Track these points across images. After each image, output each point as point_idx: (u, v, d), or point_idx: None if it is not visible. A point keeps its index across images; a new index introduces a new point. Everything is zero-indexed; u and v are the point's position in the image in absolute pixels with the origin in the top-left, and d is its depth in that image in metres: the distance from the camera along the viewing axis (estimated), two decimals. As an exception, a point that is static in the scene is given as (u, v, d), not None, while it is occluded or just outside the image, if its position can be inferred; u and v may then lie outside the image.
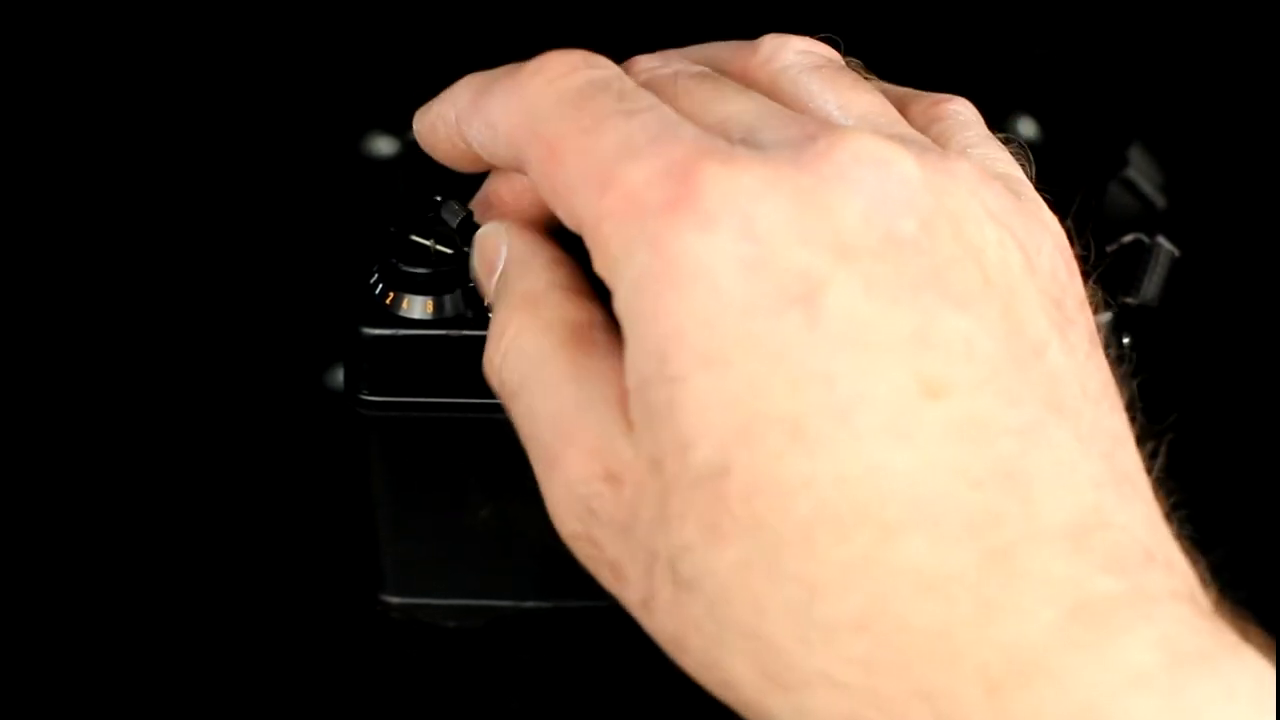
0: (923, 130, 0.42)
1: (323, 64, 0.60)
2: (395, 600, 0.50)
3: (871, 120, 0.41)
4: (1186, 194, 0.55)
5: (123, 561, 0.56)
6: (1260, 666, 0.35)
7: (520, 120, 0.40)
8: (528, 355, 0.41)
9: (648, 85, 0.41)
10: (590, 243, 0.38)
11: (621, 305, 0.38)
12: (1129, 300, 0.47)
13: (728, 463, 0.36)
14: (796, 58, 0.42)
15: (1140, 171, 0.54)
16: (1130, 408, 0.40)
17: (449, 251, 0.46)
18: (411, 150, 0.47)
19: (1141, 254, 0.48)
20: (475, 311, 0.45)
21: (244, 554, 0.56)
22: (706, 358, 0.37)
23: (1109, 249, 0.48)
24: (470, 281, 0.45)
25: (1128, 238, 0.48)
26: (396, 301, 0.45)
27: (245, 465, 0.58)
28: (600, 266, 0.38)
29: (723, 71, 0.43)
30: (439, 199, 0.46)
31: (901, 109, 0.43)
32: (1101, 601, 0.35)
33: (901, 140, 0.39)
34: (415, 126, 0.44)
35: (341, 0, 0.60)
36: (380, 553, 0.49)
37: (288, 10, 0.60)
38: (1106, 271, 0.47)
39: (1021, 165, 0.42)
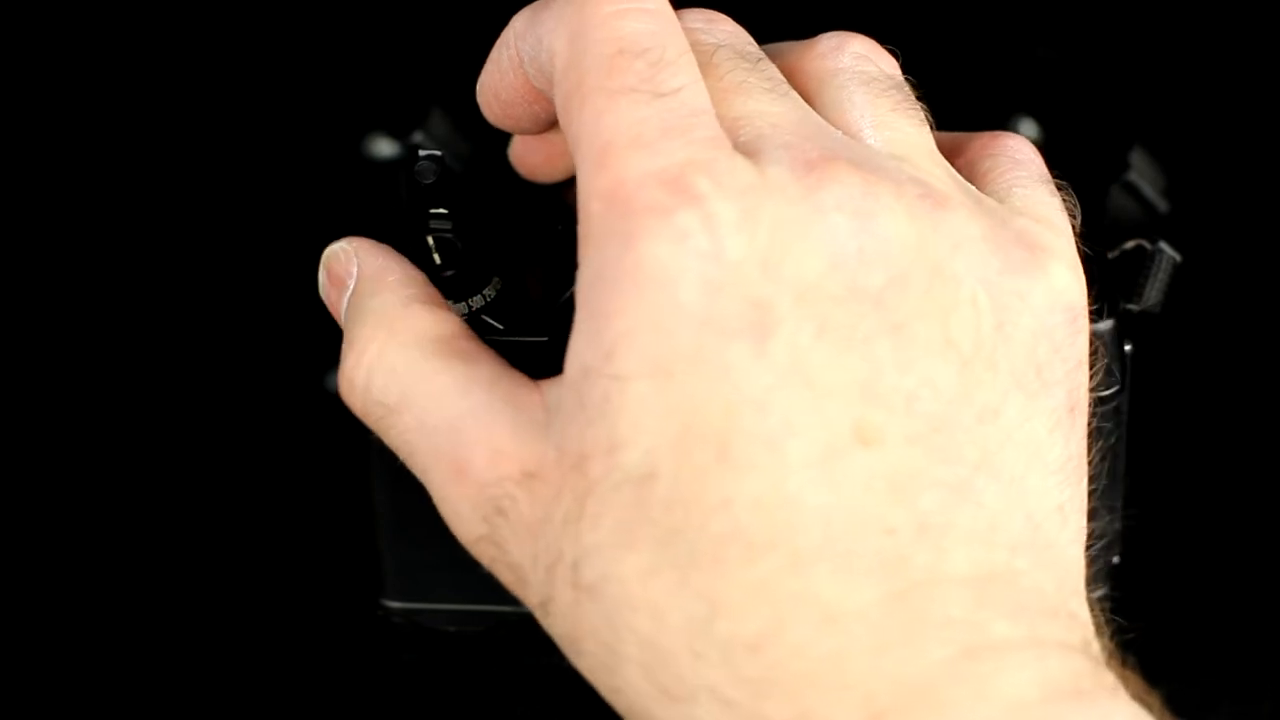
0: (972, 165, 0.42)
1: (324, 66, 0.60)
2: (396, 605, 0.50)
3: (900, 149, 0.40)
4: (1189, 198, 0.55)
5: (123, 564, 0.56)
6: (1133, 708, 0.37)
7: (563, 45, 0.40)
8: (400, 371, 0.41)
9: None
10: (579, 202, 0.39)
11: (582, 286, 0.38)
12: (1131, 307, 0.47)
13: (655, 469, 0.37)
14: (851, 62, 0.42)
15: (1142, 175, 0.54)
16: (1096, 480, 0.41)
17: (446, 258, 0.45)
18: (412, 153, 0.47)
19: (1143, 260, 0.48)
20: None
21: (245, 558, 0.56)
22: (652, 364, 0.37)
23: (1110, 255, 0.48)
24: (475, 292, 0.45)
25: (1129, 244, 0.48)
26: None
27: (246, 468, 0.58)
28: (580, 231, 0.39)
29: (771, 59, 0.42)
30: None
31: (958, 147, 0.43)
32: (996, 644, 0.36)
33: (907, 181, 0.39)
34: (480, 83, 0.44)
35: (342, 2, 0.60)
36: (381, 557, 0.49)
37: (289, 12, 0.60)
38: (1108, 278, 0.46)
39: (1069, 214, 0.42)
